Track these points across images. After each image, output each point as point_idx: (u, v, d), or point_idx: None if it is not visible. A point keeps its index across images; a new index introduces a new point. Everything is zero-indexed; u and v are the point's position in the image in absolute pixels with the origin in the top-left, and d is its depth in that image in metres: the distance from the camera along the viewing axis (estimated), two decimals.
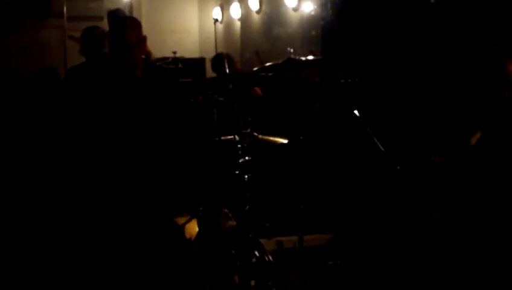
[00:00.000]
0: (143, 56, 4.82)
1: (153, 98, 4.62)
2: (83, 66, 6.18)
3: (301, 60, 4.58)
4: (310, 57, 4.76)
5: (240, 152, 4.66)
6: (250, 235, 4.65)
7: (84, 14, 10.54)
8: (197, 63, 10.49)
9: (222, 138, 4.82)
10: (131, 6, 11.40)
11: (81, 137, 4.69)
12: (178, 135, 4.70)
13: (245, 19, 10.27)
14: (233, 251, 4.64)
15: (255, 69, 4.91)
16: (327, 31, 7.34)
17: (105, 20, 8.45)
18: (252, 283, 4.60)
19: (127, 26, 4.62)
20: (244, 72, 8.01)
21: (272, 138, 4.90)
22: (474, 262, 3.99)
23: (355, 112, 4.79)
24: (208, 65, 10.10)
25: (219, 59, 7.62)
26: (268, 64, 4.81)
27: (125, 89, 4.59)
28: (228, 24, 11.22)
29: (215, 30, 10.49)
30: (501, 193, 3.93)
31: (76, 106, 4.77)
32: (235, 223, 4.87)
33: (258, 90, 7.04)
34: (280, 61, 4.65)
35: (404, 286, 4.82)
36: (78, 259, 4.63)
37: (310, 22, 7.84)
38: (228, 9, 10.83)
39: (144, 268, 4.37)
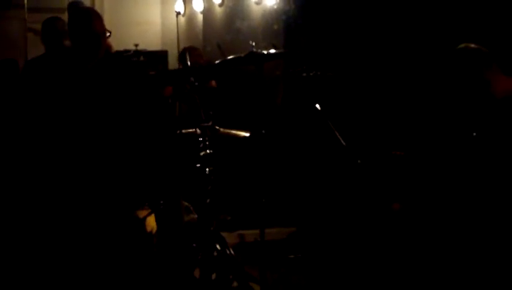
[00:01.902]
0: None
1: (110, 90, 4.60)
2: (42, 58, 6.11)
3: (263, 53, 4.58)
4: (272, 51, 4.75)
5: (201, 145, 4.65)
6: (212, 229, 4.65)
7: (46, 5, 10.41)
8: (159, 56, 10.43)
9: (183, 131, 4.81)
10: None
11: (36, 129, 4.64)
12: (138, 127, 4.67)
13: (207, 11, 10.23)
14: (194, 244, 4.64)
15: (217, 62, 4.90)
16: (289, 24, 7.34)
17: (67, 13, 8.36)
18: (213, 276, 4.60)
19: (93, 14, 4.63)
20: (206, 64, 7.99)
21: (233, 132, 4.90)
22: (435, 252, 4.03)
23: (317, 106, 4.80)
24: (171, 58, 10.06)
25: (184, 53, 7.59)
26: (230, 57, 4.80)
27: (80, 80, 4.56)
28: (190, 17, 11.16)
29: (177, 23, 10.43)
30: (463, 185, 3.98)
31: (33, 97, 4.71)
32: (196, 216, 4.86)
33: (212, 82, 7.02)
34: (242, 55, 4.64)
35: (365, 278, 4.85)
36: (36, 254, 4.58)
37: (272, 16, 7.83)
38: (191, 2, 10.77)
39: (105, 262, 4.35)
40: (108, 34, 4.66)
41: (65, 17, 7.78)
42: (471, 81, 4.04)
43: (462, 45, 4.16)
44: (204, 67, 6.55)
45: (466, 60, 4.07)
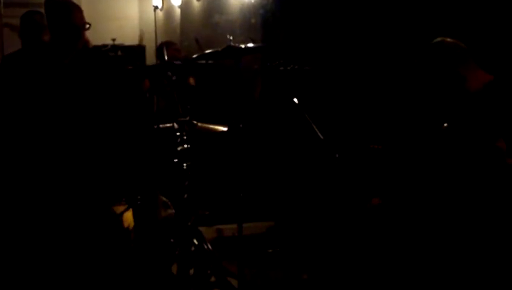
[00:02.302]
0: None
1: (87, 85, 4.57)
2: (19, 53, 6.06)
3: (240, 47, 4.57)
4: (250, 45, 4.74)
5: (178, 140, 4.64)
6: (189, 224, 4.64)
7: (22, 0, 10.34)
8: (136, 51, 10.41)
9: (161, 125, 4.79)
10: None
11: (13, 125, 4.60)
12: (115, 122, 4.65)
13: (185, 6, 10.20)
14: (172, 240, 4.62)
15: (194, 56, 4.88)
16: (267, 18, 7.33)
17: (44, 8, 8.29)
18: (191, 271, 4.58)
19: (72, 6, 4.62)
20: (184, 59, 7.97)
21: (211, 126, 4.89)
22: (414, 248, 4.03)
23: (295, 99, 4.80)
24: (149, 52, 10.03)
25: (161, 48, 7.56)
26: (207, 51, 4.78)
27: (56, 76, 4.53)
28: (168, 11, 11.13)
29: (155, 17, 10.41)
30: (442, 179, 3.98)
31: (9, 93, 4.67)
32: (173, 211, 4.85)
33: (191, 79, 7.00)
34: (220, 49, 4.62)
35: (344, 272, 4.85)
36: (12, 250, 4.54)
37: (250, 10, 7.82)
38: None
39: (82, 258, 4.32)
40: (87, 26, 4.64)
41: (42, 11, 7.74)
42: (445, 76, 4.04)
43: (439, 39, 4.16)
44: (182, 62, 6.53)
45: (442, 55, 4.07)
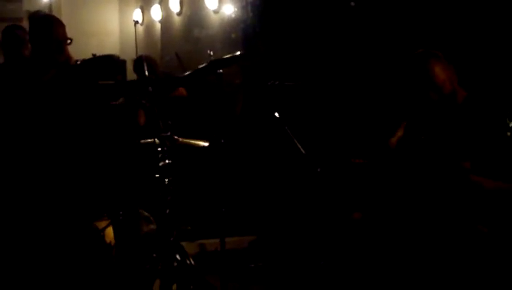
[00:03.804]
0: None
1: (65, 100, 4.57)
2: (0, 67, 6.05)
3: (221, 59, 4.58)
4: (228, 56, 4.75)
5: (160, 155, 4.63)
6: (172, 239, 4.63)
7: (3, 15, 10.32)
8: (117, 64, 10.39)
9: (142, 141, 4.79)
10: (50, 8, 11.22)
11: None
12: (95, 137, 4.64)
13: (166, 20, 10.22)
14: (154, 255, 4.61)
15: (185, 74, 4.91)
16: (248, 33, 7.36)
17: (25, 22, 8.28)
18: (174, 287, 4.57)
19: (54, 21, 4.61)
20: (164, 74, 7.98)
21: (192, 141, 4.89)
22: (396, 261, 4.05)
23: (276, 114, 4.81)
24: (129, 67, 10.01)
25: (140, 62, 7.54)
26: (189, 72, 4.82)
27: (35, 93, 4.52)
28: (149, 26, 11.15)
29: (135, 32, 10.41)
30: (422, 192, 4.00)
31: None
32: (155, 226, 4.84)
33: (182, 90, 7.00)
34: (204, 65, 4.64)
35: (325, 286, 4.86)
36: None
37: (230, 25, 7.85)
38: (149, 10, 10.76)
39: (63, 273, 4.30)
40: (69, 41, 4.64)
41: (23, 25, 7.73)
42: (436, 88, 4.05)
43: (421, 50, 4.18)
44: (163, 78, 6.54)
45: (428, 65, 4.07)
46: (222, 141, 4.48)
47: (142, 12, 11.29)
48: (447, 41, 5.02)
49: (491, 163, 3.76)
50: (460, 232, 3.77)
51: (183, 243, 4.85)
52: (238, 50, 7.25)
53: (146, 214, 4.92)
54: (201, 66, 4.68)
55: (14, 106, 4.49)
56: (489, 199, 3.72)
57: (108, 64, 5.23)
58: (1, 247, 4.37)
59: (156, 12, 10.46)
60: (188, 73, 4.91)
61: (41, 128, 4.45)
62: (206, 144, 4.87)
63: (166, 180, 4.60)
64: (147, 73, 5.04)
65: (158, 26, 10.60)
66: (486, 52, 4.93)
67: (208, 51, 4.73)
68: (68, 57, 4.74)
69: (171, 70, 8.60)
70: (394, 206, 4.21)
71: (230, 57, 4.66)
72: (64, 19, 4.84)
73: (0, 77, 4.87)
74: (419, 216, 3.98)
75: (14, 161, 4.41)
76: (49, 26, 4.56)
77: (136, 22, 10.79)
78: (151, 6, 10.59)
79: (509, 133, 3.72)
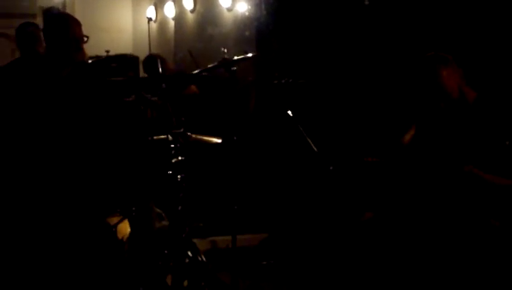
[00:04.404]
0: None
1: (80, 98, 4.57)
2: (13, 65, 6.06)
3: (234, 59, 4.59)
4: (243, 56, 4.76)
5: (173, 152, 4.64)
6: (184, 235, 4.64)
7: (17, 11, 10.34)
8: (130, 61, 10.40)
9: (155, 137, 4.79)
10: (64, 4, 11.24)
11: (7, 137, 4.60)
12: (109, 134, 4.65)
13: (179, 18, 10.22)
14: (166, 251, 4.62)
15: (196, 71, 4.92)
16: (261, 31, 7.35)
17: (38, 18, 8.32)
18: (185, 283, 4.58)
19: (71, 20, 4.61)
20: (177, 71, 7.98)
21: (205, 138, 4.89)
22: (408, 261, 4.04)
23: (289, 112, 4.81)
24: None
25: (151, 60, 7.54)
26: (201, 69, 4.83)
27: (52, 90, 4.53)
28: (162, 23, 11.15)
29: (148, 29, 10.42)
30: (435, 192, 4.00)
31: (4, 105, 4.67)
32: (167, 223, 4.85)
33: (193, 87, 7.01)
34: (216, 63, 4.65)
35: (337, 285, 4.86)
36: (7, 260, 4.54)
37: (244, 22, 7.84)
38: (162, 8, 10.76)
39: (76, 269, 4.32)
40: (86, 39, 4.64)
41: (37, 22, 7.75)
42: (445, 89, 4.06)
43: (431, 53, 4.18)
44: (176, 75, 6.54)
45: (437, 68, 4.08)
46: (235, 138, 4.48)
47: (156, 9, 11.30)
48: (457, 40, 5.01)
49: (504, 161, 3.77)
50: (472, 226, 3.77)
51: (195, 240, 4.86)
52: (252, 48, 7.28)
53: (158, 210, 4.93)
54: (210, 65, 4.70)
55: (31, 102, 4.51)
56: (501, 194, 3.72)
57: (121, 62, 5.23)
58: (14, 243, 4.39)
59: (169, 10, 10.46)
60: (197, 71, 4.92)
61: (56, 124, 4.46)
62: (219, 141, 4.88)
63: (179, 177, 4.60)
64: (160, 70, 5.04)
65: (171, 23, 10.60)
66: (495, 52, 4.92)
67: (222, 49, 4.73)
68: (84, 55, 4.76)
69: (185, 68, 8.60)
70: (406, 206, 4.20)
71: (241, 58, 4.68)
72: (77, 15, 4.85)
73: (18, 72, 4.88)
74: (431, 214, 3.98)
75: (28, 156, 4.43)
76: (65, 25, 4.55)
77: (150, 19, 10.80)
78: (164, 4, 10.59)
79: None
